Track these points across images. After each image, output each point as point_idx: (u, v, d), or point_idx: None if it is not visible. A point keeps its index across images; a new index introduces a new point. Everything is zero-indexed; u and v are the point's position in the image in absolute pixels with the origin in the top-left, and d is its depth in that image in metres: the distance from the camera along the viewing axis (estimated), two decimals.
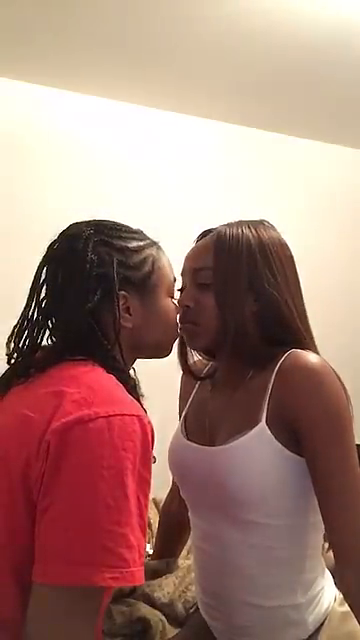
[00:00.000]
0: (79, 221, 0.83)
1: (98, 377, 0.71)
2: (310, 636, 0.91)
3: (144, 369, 0.89)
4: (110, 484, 0.60)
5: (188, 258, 0.97)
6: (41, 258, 0.82)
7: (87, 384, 0.68)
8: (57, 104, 2.43)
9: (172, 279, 0.89)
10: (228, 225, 0.94)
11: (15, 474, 0.64)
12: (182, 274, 0.98)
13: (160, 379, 0.90)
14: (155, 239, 0.89)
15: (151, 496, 1.81)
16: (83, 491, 0.60)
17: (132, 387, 0.77)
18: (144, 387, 0.82)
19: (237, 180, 2.75)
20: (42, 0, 1.82)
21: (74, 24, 1.95)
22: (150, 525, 1.52)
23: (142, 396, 0.79)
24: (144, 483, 0.65)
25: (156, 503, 1.65)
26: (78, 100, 2.46)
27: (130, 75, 2.31)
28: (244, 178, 2.77)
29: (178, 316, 0.93)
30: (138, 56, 2.15)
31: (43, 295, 0.79)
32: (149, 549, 1.30)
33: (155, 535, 1.32)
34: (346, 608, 0.93)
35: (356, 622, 0.80)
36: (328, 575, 0.98)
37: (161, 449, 1.05)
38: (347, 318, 2.95)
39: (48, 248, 0.82)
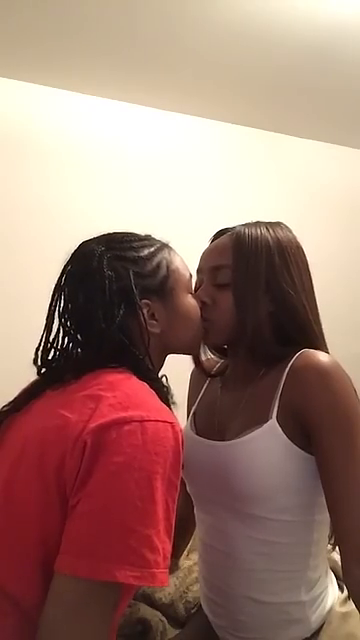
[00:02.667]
0: (88, 239, 0.85)
1: (133, 384, 0.73)
2: (312, 635, 0.92)
3: None
4: (140, 486, 0.62)
5: (205, 256, 0.98)
6: (56, 280, 0.83)
7: (123, 390, 0.70)
8: (57, 104, 2.43)
9: (188, 276, 0.90)
10: (246, 225, 0.95)
11: (50, 470, 0.66)
12: (198, 271, 0.99)
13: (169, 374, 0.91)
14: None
15: None
16: (113, 490, 0.62)
17: (164, 395, 0.79)
18: None
19: (237, 180, 2.75)
20: (43, 0, 1.82)
21: (74, 24, 1.95)
22: None
23: (174, 404, 0.81)
24: (173, 488, 0.66)
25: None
26: (78, 100, 2.46)
27: (130, 75, 2.31)
28: (244, 178, 2.77)
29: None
30: (138, 56, 2.15)
31: (67, 315, 0.81)
32: None
33: None
34: (346, 609, 0.93)
35: (356, 623, 0.80)
36: (331, 575, 0.98)
37: None
38: (347, 317, 2.95)
39: (63, 270, 0.83)
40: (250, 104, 2.55)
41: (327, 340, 0.97)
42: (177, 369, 1.04)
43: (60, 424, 0.68)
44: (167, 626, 1.04)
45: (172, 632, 1.04)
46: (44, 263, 1.23)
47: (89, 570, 0.60)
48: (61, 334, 0.81)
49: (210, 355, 1.07)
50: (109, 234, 0.85)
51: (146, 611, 1.05)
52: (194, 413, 1.06)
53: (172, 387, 0.83)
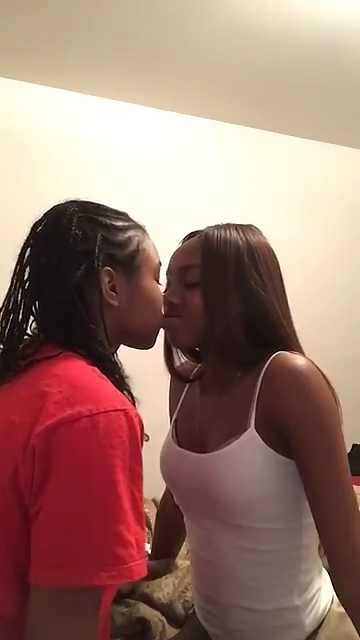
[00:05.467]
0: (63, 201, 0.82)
1: (80, 372, 0.69)
2: (307, 638, 0.91)
3: (139, 371, 0.88)
4: (100, 483, 0.60)
5: (174, 257, 0.97)
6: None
7: (69, 382, 0.66)
8: (57, 104, 2.43)
9: (157, 262, 0.88)
10: (216, 227, 0.94)
11: (4, 481, 0.63)
12: (168, 273, 0.98)
13: (151, 380, 0.90)
14: (154, 237, 0.89)
15: (150, 497, 1.80)
16: (73, 493, 0.60)
17: (119, 375, 0.75)
18: (136, 387, 0.79)
19: (236, 179, 2.75)
20: (42, 0, 1.82)
21: (74, 24, 1.95)
22: (150, 526, 1.52)
23: (127, 377, 0.77)
24: (136, 477, 0.64)
25: (156, 504, 1.65)
26: (78, 100, 2.46)
27: (130, 75, 2.31)
28: (243, 178, 2.77)
29: (163, 310, 0.92)
30: (138, 56, 2.15)
31: (27, 276, 0.77)
32: (149, 549, 1.30)
33: (153, 535, 1.32)
34: (344, 609, 0.93)
35: None
36: (325, 575, 0.98)
37: (158, 451, 1.05)
38: (346, 317, 2.95)
39: (32, 228, 0.80)
40: (249, 104, 2.55)
41: (327, 341, 0.97)
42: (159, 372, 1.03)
43: (8, 430, 0.65)
44: (166, 626, 1.04)
45: (171, 632, 1.04)
46: None
47: (64, 579, 0.58)
48: (20, 307, 0.76)
49: (184, 359, 1.06)
50: (87, 200, 0.83)
51: (145, 611, 1.05)
52: (175, 421, 1.05)
53: (157, 391, 0.79)
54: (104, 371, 0.71)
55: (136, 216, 0.87)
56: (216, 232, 0.92)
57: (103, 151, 2.50)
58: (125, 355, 0.86)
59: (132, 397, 0.75)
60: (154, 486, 1.18)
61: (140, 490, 0.64)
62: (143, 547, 0.63)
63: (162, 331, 0.95)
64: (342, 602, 0.83)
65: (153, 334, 0.89)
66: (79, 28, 1.97)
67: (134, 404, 0.73)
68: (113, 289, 0.79)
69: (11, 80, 2.34)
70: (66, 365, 0.70)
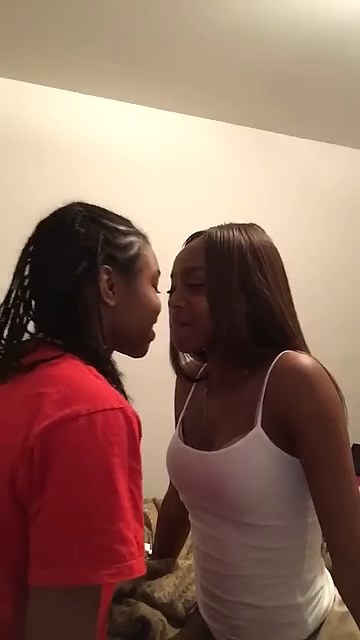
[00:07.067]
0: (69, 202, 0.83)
1: (76, 373, 0.69)
2: (310, 636, 0.92)
3: (138, 371, 0.88)
4: (99, 483, 0.60)
5: (178, 259, 0.97)
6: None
7: (65, 382, 0.66)
8: (57, 104, 2.43)
9: (156, 270, 0.88)
10: (219, 227, 0.94)
11: (2, 483, 0.63)
12: (172, 275, 0.98)
13: (156, 380, 0.90)
14: (154, 237, 0.89)
15: (151, 497, 1.80)
16: (72, 493, 0.60)
17: (113, 377, 0.75)
18: (137, 388, 0.79)
19: (237, 179, 2.75)
20: (42, 0, 1.82)
21: (74, 24, 1.95)
22: (150, 526, 1.52)
23: (121, 374, 0.77)
24: (135, 475, 0.64)
25: (156, 504, 1.65)
26: (78, 100, 2.46)
27: (130, 75, 2.31)
28: (243, 178, 2.77)
29: (171, 317, 0.92)
30: (138, 56, 2.15)
31: (27, 272, 0.78)
32: (148, 549, 1.30)
33: (154, 535, 1.32)
34: (345, 608, 0.93)
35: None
36: (328, 575, 0.98)
37: (158, 451, 1.05)
38: (347, 317, 2.95)
39: (37, 226, 0.81)
40: (249, 104, 2.55)
41: (329, 340, 0.97)
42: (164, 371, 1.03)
43: (4, 433, 0.65)
44: (167, 625, 1.04)
45: (172, 631, 1.04)
46: None
47: (64, 579, 0.58)
48: (19, 305, 0.76)
49: (189, 358, 1.07)
50: (93, 204, 0.84)
51: (146, 610, 1.05)
52: (182, 420, 1.05)
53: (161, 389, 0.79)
54: (99, 370, 0.71)
55: (136, 216, 0.88)
56: (219, 233, 0.92)
57: (103, 151, 2.50)
58: (126, 355, 0.86)
59: (125, 397, 0.75)
60: (154, 486, 1.18)
61: (139, 488, 0.64)
62: (142, 545, 0.63)
63: (167, 332, 0.96)
64: (342, 595, 0.84)
65: (144, 341, 0.88)
66: (80, 28, 1.97)
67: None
68: (111, 288, 0.79)
69: (11, 80, 2.34)
70: (62, 365, 0.70)
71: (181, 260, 0.97)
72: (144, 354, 0.89)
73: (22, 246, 0.81)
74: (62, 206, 0.82)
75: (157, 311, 0.87)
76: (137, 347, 0.87)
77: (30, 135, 2.38)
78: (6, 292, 0.78)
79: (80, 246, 0.76)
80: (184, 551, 1.29)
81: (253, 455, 0.86)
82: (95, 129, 2.50)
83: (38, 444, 0.61)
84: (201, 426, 0.98)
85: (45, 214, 0.82)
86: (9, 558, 0.64)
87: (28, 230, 0.82)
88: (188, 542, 1.28)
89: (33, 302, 0.78)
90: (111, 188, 2.43)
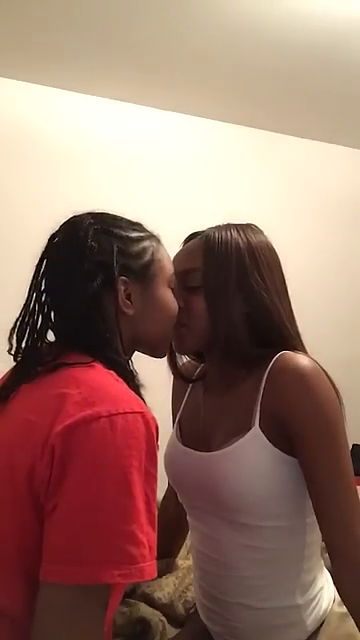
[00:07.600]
0: (80, 213, 0.83)
1: (98, 376, 0.71)
2: (309, 637, 0.92)
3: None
4: (116, 483, 0.61)
5: (176, 260, 0.97)
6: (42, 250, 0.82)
7: (87, 384, 0.68)
8: (57, 104, 2.43)
9: (171, 271, 0.89)
10: (216, 228, 0.94)
11: (21, 480, 0.64)
12: None
13: (153, 380, 0.90)
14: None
15: None
16: (88, 492, 0.61)
17: (133, 383, 0.76)
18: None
19: (237, 179, 2.75)
20: (43, 0, 1.82)
21: (74, 24, 1.95)
22: None
23: (142, 386, 0.78)
24: (151, 479, 0.65)
25: (157, 504, 1.64)
26: (78, 100, 2.46)
27: (130, 75, 2.31)
28: (243, 177, 2.78)
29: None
30: (138, 56, 2.15)
31: (44, 287, 0.79)
32: None
33: None
34: (345, 609, 0.93)
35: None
36: (327, 575, 0.98)
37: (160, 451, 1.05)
38: (346, 317, 2.95)
39: (49, 240, 0.82)
40: (249, 104, 2.55)
41: (327, 341, 0.97)
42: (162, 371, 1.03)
43: (26, 430, 0.67)
44: (167, 626, 1.04)
45: (172, 632, 1.04)
46: None
47: (75, 576, 0.59)
48: (38, 317, 0.78)
49: (186, 359, 1.07)
50: (102, 212, 0.84)
51: (146, 611, 1.05)
52: (179, 420, 1.05)
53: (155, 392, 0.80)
54: (120, 376, 0.73)
55: (136, 216, 0.88)
56: (217, 234, 0.92)
57: (103, 151, 2.50)
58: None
59: (144, 403, 0.76)
60: None
61: (154, 492, 0.66)
62: (154, 548, 0.63)
63: None
64: (342, 596, 0.84)
65: (166, 342, 0.90)
66: (80, 28, 1.97)
67: None
68: (128, 298, 0.80)
69: (11, 80, 2.34)
70: (84, 368, 0.71)
71: (178, 261, 0.97)
72: (165, 355, 0.92)
73: (22, 246, 0.81)
74: (73, 217, 0.83)
75: (175, 312, 0.88)
76: (158, 349, 0.90)
77: (30, 135, 2.38)
78: (6, 290, 0.78)
79: (95, 260, 0.76)
80: (183, 551, 1.29)
81: (251, 455, 0.86)
82: (95, 129, 2.50)
83: (59, 442, 0.62)
84: (198, 427, 0.98)
85: (44, 214, 0.82)
86: (24, 556, 0.65)
87: (27, 229, 0.82)
88: (187, 542, 1.28)
89: (52, 315, 0.79)
90: (110, 188, 2.44)
